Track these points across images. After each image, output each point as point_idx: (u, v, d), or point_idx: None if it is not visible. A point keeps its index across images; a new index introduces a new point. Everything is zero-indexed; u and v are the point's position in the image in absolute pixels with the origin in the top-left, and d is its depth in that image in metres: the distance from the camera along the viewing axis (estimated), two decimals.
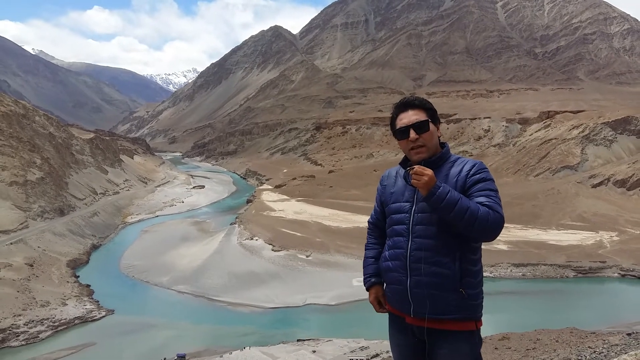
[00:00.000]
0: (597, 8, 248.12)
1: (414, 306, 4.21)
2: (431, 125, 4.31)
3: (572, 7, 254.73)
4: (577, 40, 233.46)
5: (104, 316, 42.28)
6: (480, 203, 3.92)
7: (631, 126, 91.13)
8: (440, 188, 3.89)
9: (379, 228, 4.73)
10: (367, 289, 4.71)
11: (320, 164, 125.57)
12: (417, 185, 3.96)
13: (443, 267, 4.11)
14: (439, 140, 4.44)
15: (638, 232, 57.14)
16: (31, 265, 49.22)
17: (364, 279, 4.75)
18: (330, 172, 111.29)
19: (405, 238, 4.26)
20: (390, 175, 4.64)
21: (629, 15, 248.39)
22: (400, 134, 4.37)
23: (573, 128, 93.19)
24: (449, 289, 4.11)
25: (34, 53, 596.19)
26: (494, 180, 4.16)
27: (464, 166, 4.23)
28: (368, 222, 4.95)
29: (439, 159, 4.33)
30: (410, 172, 3.99)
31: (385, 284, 4.54)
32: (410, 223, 4.25)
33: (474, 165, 4.21)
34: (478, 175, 4.13)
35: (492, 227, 3.84)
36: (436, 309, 4.13)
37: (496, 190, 4.08)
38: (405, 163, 4.46)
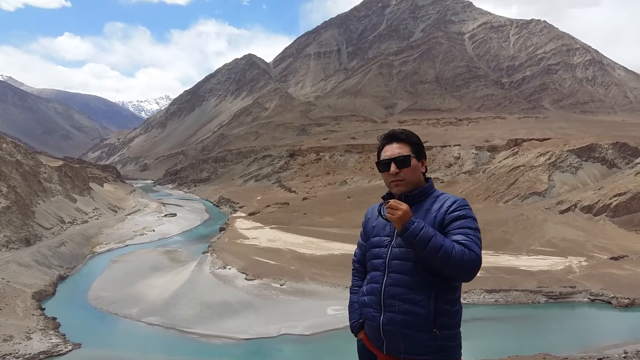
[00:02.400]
0: (560, 40, 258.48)
1: (387, 343, 4.13)
2: (413, 161, 4.29)
3: (537, 38, 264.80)
4: (541, 71, 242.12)
5: (70, 350, 40.66)
6: (456, 241, 3.80)
7: (595, 153, 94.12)
8: (415, 224, 3.83)
9: (363, 266, 4.64)
10: (355, 334, 4.60)
11: (294, 191, 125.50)
12: (391, 219, 3.91)
13: (416, 306, 4.00)
14: (424, 175, 4.41)
15: (605, 257, 58.44)
16: None
17: (351, 324, 4.64)
18: (304, 199, 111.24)
19: (381, 273, 4.20)
20: (374, 209, 4.61)
21: (590, 46, 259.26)
22: (382, 166, 4.37)
23: (540, 155, 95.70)
24: (421, 329, 3.99)
25: (2, 79, 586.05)
26: (475, 219, 4.06)
27: (444, 202, 4.17)
28: (353, 260, 4.88)
29: (420, 193, 4.29)
30: (386, 206, 3.97)
31: None
32: (387, 257, 4.18)
33: (454, 202, 4.14)
34: (457, 212, 4.04)
35: (467, 266, 3.75)
36: (410, 349, 4.03)
37: (475, 229, 3.98)
38: (388, 197, 4.42)
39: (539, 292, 49.62)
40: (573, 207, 76.38)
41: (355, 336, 4.60)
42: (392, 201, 3.94)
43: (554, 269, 55.41)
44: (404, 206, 3.87)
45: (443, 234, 3.93)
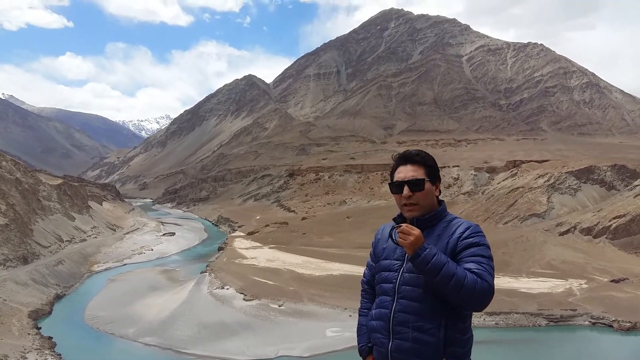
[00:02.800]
0: (557, 62, 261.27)
1: None
2: (427, 184, 4.15)
3: (534, 61, 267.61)
4: (539, 93, 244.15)
5: None
6: (469, 269, 3.72)
7: (594, 175, 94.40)
8: (427, 250, 3.71)
9: (372, 288, 4.51)
10: (363, 358, 4.49)
11: (293, 211, 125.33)
12: (403, 245, 3.80)
13: (426, 334, 3.90)
14: (437, 198, 4.28)
15: (606, 279, 58.21)
16: None
17: (359, 347, 4.52)
18: (303, 218, 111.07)
19: (391, 298, 4.11)
20: (385, 230, 4.45)
21: (586, 69, 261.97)
22: (395, 187, 4.23)
23: (539, 177, 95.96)
24: (431, 357, 3.90)
25: (3, 98, 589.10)
26: (488, 246, 3.96)
27: (458, 227, 4.05)
28: (362, 281, 4.75)
29: (432, 217, 4.17)
30: (397, 230, 3.85)
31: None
32: (397, 282, 4.08)
33: (467, 228, 4.02)
34: (470, 239, 3.94)
35: (478, 296, 3.66)
36: None
37: (489, 257, 3.90)
38: (399, 219, 4.29)
39: (540, 315, 49.31)
40: (572, 229, 76.33)
41: (363, 359, 4.48)
42: (404, 226, 3.83)
43: (554, 291, 55.14)
44: (416, 231, 3.76)
45: (455, 260, 3.84)
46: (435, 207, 4.22)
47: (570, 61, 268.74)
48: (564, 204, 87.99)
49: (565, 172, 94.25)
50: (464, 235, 3.96)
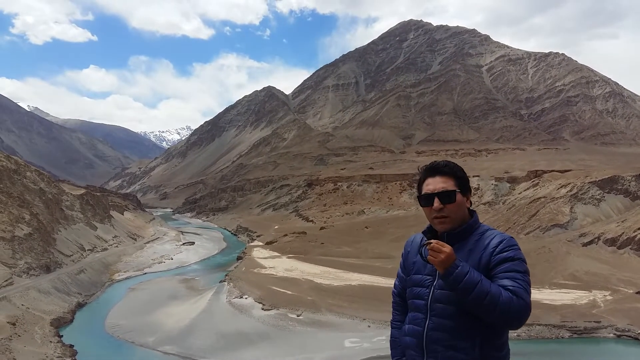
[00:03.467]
0: (579, 72, 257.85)
1: None
2: (458, 196, 3.99)
3: (555, 71, 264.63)
4: (561, 103, 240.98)
5: None
6: (503, 286, 3.54)
7: (618, 185, 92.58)
8: (459, 268, 3.57)
9: (404, 300, 4.37)
10: None
11: (311, 220, 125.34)
12: (433, 263, 3.66)
13: (461, 352, 3.77)
14: (469, 209, 4.11)
15: (631, 291, 56.81)
16: (14, 324, 47.66)
17: None
18: (321, 228, 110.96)
19: (423, 315, 3.97)
20: (415, 242, 4.32)
21: (609, 79, 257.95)
22: (425, 200, 4.06)
23: (561, 187, 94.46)
24: None
25: (29, 110, 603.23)
26: (524, 260, 3.76)
27: (491, 240, 3.86)
28: (392, 293, 4.63)
29: (464, 230, 4.00)
30: (427, 247, 3.68)
31: None
32: (430, 299, 3.94)
33: (502, 241, 3.83)
34: (505, 254, 3.74)
35: (515, 315, 3.48)
36: None
37: (524, 272, 3.69)
38: (429, 232, 4.12)
39: (563, 327, 48.30)
40: (596, 239, 74.81)
41: None
42: (433, 242, 3.66)
43: (577, 303, 54.02)
44: (447, 248, 3.61)
45: (488, 276, 3.68)
46: (466, 219, 4.06)
47: (592, 70, 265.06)
48: (587, 215, 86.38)
49: (589, 182, 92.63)
50: (498, 249, 3.78)
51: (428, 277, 4.01)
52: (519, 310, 3.47)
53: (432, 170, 4.12)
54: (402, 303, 4.41)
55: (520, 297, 3.49)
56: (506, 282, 3.57)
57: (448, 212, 3.95)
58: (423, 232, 4.19)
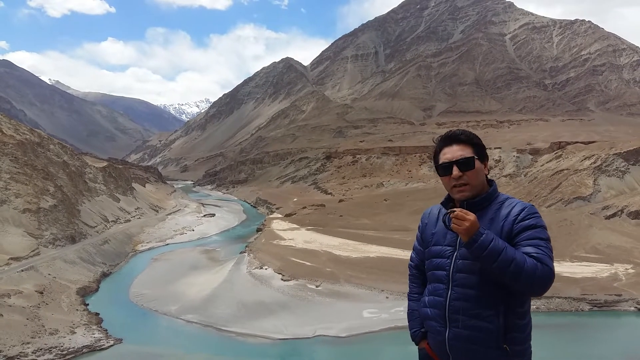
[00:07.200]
0: (605, 40, 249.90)
1: (453, 358, 3.94)
2: (477, 163, 3.98)
3: (581, 39, 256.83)
4: (586, 72, 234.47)
5: (112, 345, 41.90)
6: (527, 253, 3.54)
7: None
8: (483, 235, 3.54)
9: (421, 272, 4.39)
10: (417, 343, 4.38)
11: (330, 193, 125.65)
12: (457, 231, 3.64)
13: (484, 321, 3.78)
14: (487, 177, 4.10)
15: None
16: (41, 293, 49.24)
17: (412, 332, 4.41)
18: (340, 201, 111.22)
19: (445, 285, 3.97)
20: (432, 214, 4.31)
21: (638, 47, 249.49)
22: (443, 169, 4.05)
23: (585, 159, 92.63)
24: (490, 345, 3.78)
25: (50, 83, 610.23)
26: (545, 228, 3.79)
27: (512, 209, 3.86)
28: (409, 265, 4.61)
29: (484, 199, 3.99)
30: (451, 216, 3.67)
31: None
32: (451, 270, 3.94)
33: (523, 209, 3.84)
34: (527, 221, 3.75)
35: (539, 282, 3.49)
36: None
37: (547, 239, 3.70)
38: (448, 202, 4.13)
39: (583, 300, 48.03)
40: (620, 212, 73.57)
41: (417, 345, 4.38)
42: (458, 210, 3.63)
43: (598, 276, 53.54)
44: (471, 216, 3.59)
45: (511, 244, 3.65)
46: (486, 188, 4.04)
47: (620, 38, 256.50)
48: (611, 187, 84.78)
49: (613, 154, 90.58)
50: (520, 217, 3.78)
51: (448, 248, 4.01)
52: (544, 276, 3.49)
53: (449, 139, 4.12)
54: (420, 275, 4.43)
55: (545, 263, 3.52)
56: (529, 249, 3.58)
57: (467, 180, 3.95)
58: (442, 203, 4.18)
